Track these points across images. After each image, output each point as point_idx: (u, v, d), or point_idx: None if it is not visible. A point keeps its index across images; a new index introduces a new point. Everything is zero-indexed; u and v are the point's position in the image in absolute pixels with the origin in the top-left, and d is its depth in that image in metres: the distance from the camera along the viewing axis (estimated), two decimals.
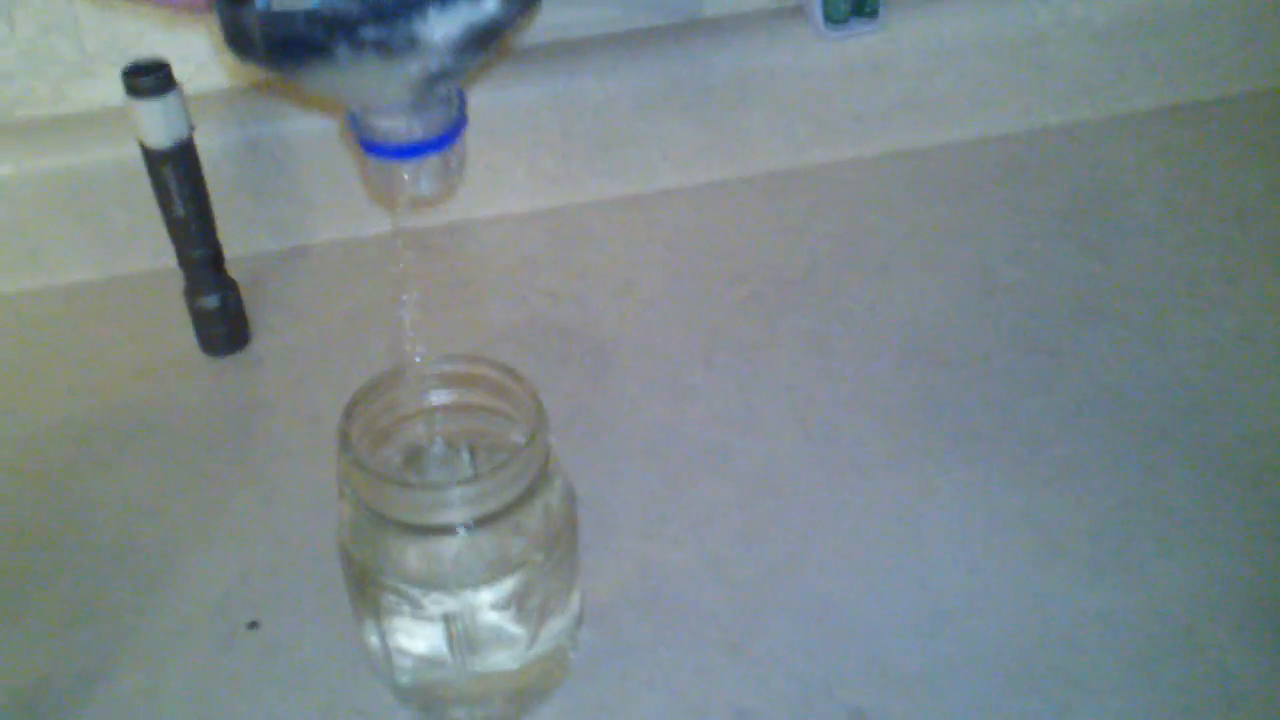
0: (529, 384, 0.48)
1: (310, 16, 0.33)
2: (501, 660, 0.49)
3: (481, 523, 0.45)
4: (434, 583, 0.46)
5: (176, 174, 0.62)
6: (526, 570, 0.47)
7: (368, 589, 0.48)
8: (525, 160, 0.75)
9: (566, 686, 0.52)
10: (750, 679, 0.52)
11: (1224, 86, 0.82)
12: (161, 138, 0.61)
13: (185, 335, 0.68)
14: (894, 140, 0.79)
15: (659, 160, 0.76)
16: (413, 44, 0.34)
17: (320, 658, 0.53)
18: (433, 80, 0.37)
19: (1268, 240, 0.72)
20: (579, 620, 0.53)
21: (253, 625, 0.55)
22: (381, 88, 0.37)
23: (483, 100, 0.72)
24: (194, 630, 0.55)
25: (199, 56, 0.70)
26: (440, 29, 0.34)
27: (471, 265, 0.73)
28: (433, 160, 0.41)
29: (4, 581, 0.57)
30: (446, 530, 0.45)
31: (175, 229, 0.64)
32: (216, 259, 0.66)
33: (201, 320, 0.67)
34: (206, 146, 0.65)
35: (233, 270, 0.67)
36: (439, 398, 0.50)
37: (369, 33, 0.33)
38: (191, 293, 0.66)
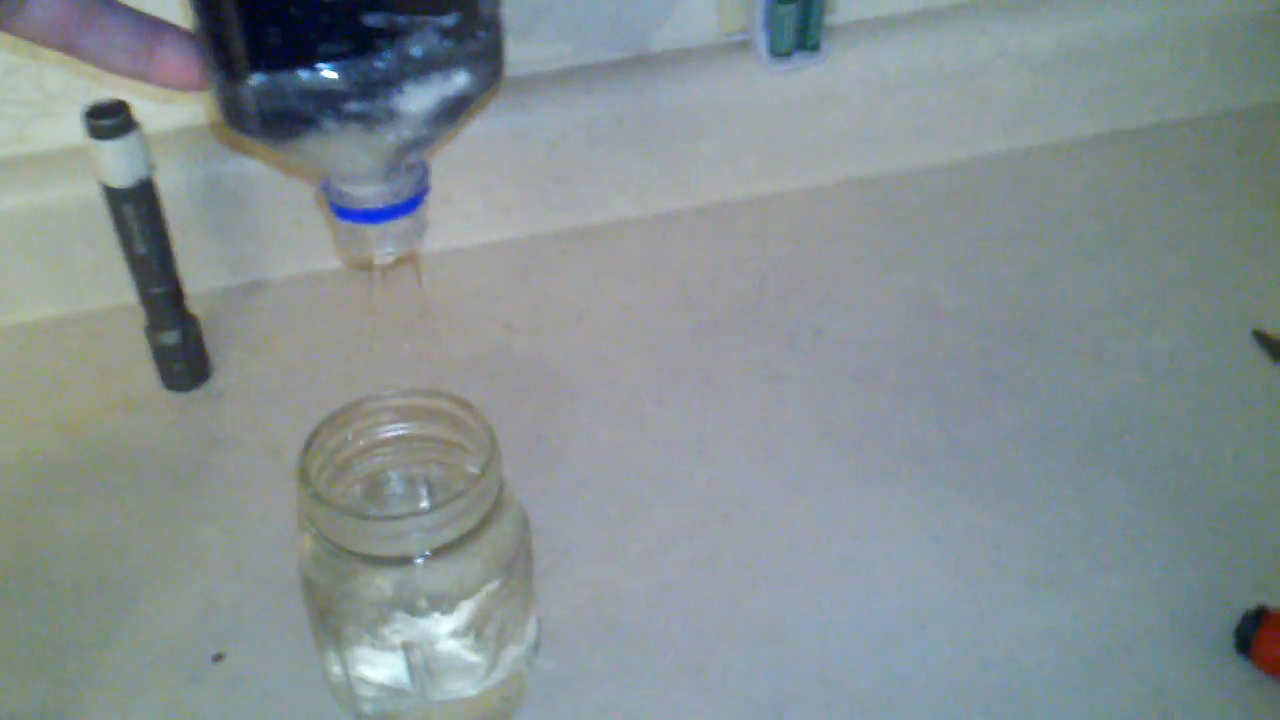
0: (482, 416, 0.49)
1: (301, 91, 0.36)
2: (461, 687, 0.50)
3: (438, 552, 0.47)
4: (393, 612, 0.48)
5: (137, 212, 0.63)
6: (483, 598, 0.48)
7: (329, 619, 0.49)
8: (481, 192, 0.76)
9: (523, 712, 0.53)
10: (705, 702, 0.53)
11: (1159, 114, 0.84)
12: (123, 178, 0.62)
13: (147, 371, 0.69)
14: (839, 170, 0.81)
15: (611, 192, 0.78)
16: (391, 116, 0.37)
17: (285, 689, 0.54)
18: (405, 149, 0.40)
19: (1199, 263, 0.74)
20: (536, 647, 0.54)
21: (218, 658, 0.56)
22: (359, 156, 0.40)
23: None
24: (159, 664, 0.56)
25: (159, 95, 0.71)
26: (416, 101, 0.37)
27: (428, 296, 0.74)
28: (398, 224, 0.44)
29: None
30: (404, 560, 0.47)
31: (136, 266, 0.65)
32: (177, 295, 0.67)
33: (163, 356, 0.68)
34: (167, 184, 0.66)
35: (193, 306, 0.68)
36: (395, 431, 0.52)
37: (353, 106, 0.37)
38: (153, 329, 0.67)
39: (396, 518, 0.47)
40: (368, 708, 0.52)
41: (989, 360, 0.69)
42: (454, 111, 0.39)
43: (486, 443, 0.48)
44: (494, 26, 0.40)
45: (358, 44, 0.37)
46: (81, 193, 0.69)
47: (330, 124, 0.37)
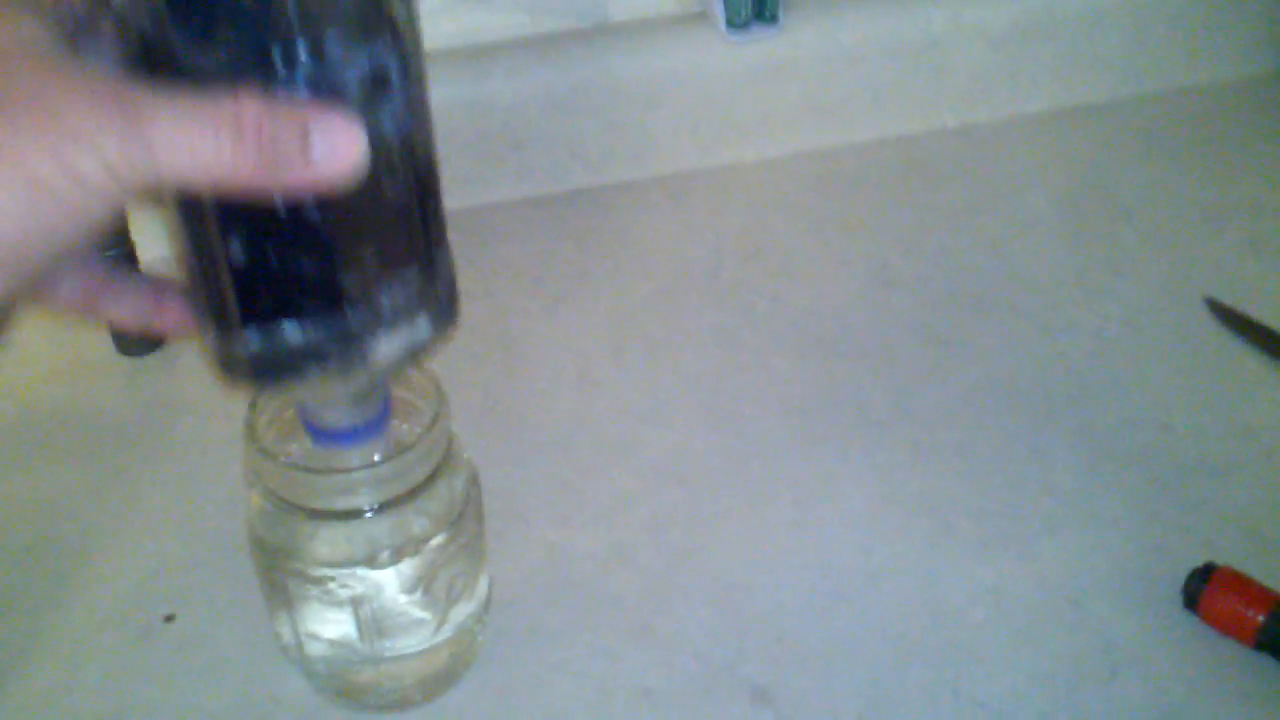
0: (430, 372, 0.49)
1: (291, 351, 0.40)
2: (410, 644, 0.50)
3: (387, 506, 0.47)
4: (341, 566, 0.48)
5: None
6: (431, 553, 0.49)
7: (277, 576, 0.49)
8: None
9: (475, 670, 0.53)
10: (656, 660, 0.54)
11: (1113, 90, 0.85)
12: None
13: (101, 336, 0.69)
14: (796, 141, 0.81)
15: (568, 160, 0.78)
16: (365, 363, 0.40)
17: (236, 648, 0.55)
18: (374, 383, 0.45)
19: (1151, 234, 0.75)
20: (487, 605, 0.54)
21: (169, 619, 0.56)
22: (332, 392, 0.44)
23: None
24: (110, 624, 0.56)
25: None
26: (385, 350, 0.40)
27: None
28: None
29: None
30: (353, 514, 0.47)
31: None
32: (130, 259, 0.67)
33: None
34: None
35: (147, 272, 0.68)
36: None
37: (334, 361, 0.40)
38: None
39: (345, 471, 0.47)
40: (319, 666, 0.52)
41: (942, 327, 0.69)
42: (417, 355, 0.42)
43: (435, 397, 0.48)
44: (449, 280, 0.44)
45: (333, 300, 0.39)
46: None
47: (313, 373, 0.40)
